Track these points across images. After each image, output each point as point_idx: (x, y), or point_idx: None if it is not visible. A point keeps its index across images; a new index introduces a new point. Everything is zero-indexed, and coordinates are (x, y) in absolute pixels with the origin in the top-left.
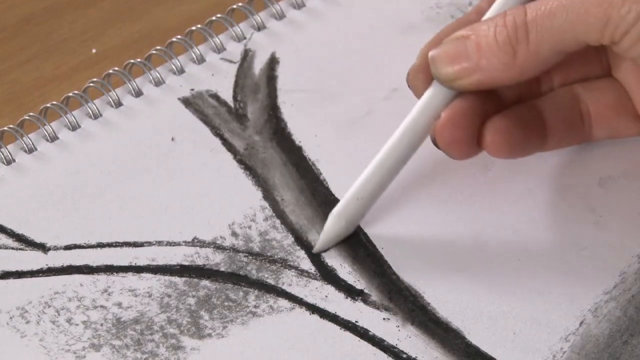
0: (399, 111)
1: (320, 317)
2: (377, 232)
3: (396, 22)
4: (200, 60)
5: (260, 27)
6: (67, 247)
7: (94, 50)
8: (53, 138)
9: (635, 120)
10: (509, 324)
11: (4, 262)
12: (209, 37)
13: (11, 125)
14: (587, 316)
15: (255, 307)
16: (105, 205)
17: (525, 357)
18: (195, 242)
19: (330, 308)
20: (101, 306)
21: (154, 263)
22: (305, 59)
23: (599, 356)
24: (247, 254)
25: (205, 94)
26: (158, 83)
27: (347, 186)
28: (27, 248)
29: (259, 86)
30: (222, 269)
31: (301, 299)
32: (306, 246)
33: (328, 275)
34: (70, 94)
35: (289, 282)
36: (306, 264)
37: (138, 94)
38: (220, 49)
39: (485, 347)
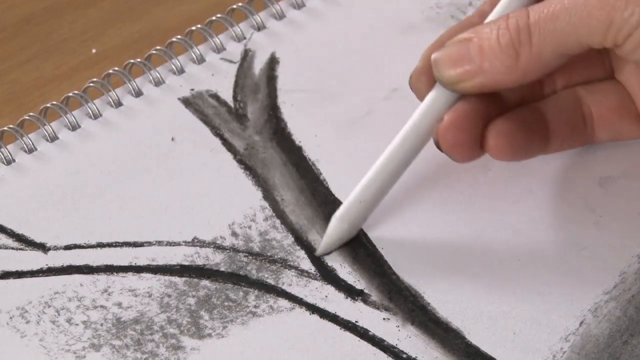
0: (399, 111)
1: (320, 317)
2: (377, 232)
3: (396, 22)
4: (200, 60)
5: (260, 27)
6: (67, 247)
7: (94, 50)
8: (53, 138)
9: (638, 123)
10: (509, 324)
11: (4, 262)
12: (209, 37)
13: (11, 125)
14: (587, 316)
15: (255, 307)
16: (105, 205)
17: (525, 357)
18: (195, 242)
19: (330, 308)
20: (101, 306)
21: (154, 263)
22: (305, 59)
23: (599, 356)
24: (247, 254)
25: (205, 94)
26: (158, 83)
27: (347, 186)
28: (27, 248)
29: (259, 86)
30: (222, 269)
31: (301, 299)
32: (306, 246)
33: (328, 275)
34: (70, 94)
35: (289, 282)
36: (306, 264)
37: (138, 94)
38: (220, 49)
39: (485, 347)
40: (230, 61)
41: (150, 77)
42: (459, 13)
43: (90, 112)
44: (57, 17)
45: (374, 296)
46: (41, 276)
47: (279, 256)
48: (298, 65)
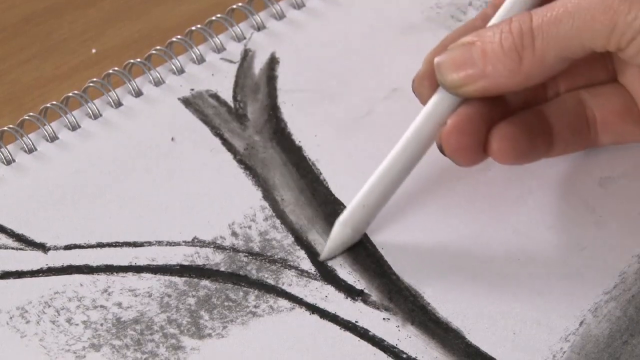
0: (399, 111)
1: (320, 317)
2: (377, 232)
3: (396, 22)
4: (200, 60)
5: (260, 27)
6: (67, 247)
7: (94, 50)
8: (53, 138)
9: None
10: (509, 324)
11: (4, 262)
12: (209, 37)
13: (11, 125)
14: (587, 316)
15: (255, 307)
16: (105, 205)
17: (525, 357)
18: (195, 242)
19: (330, 308)
20: (101, 306)
21: (154, 263)
22: (305, 59)
23: (599, 356)
24: (247, 254)
25: (205, 94)
26: (158, 83)
27: (347, 186)
28: (27, 248)
29: (259, 86)
30: (222, 269)
31: (301, 299)
32: (306, 246)
33: (328, 276)
34: (70, 94)
35: (289, 282)
36: (306, 264)
37: (138, 94)
38: (220, 49)
39: (485, 347)
40: (230, 61)
41: (150, 77)
42: (459, 13)
43: (90, 112)
44: (57, 17)
45: (374, 296)
46: (41, 276)
47: (279, 256)
48: (298, 65)
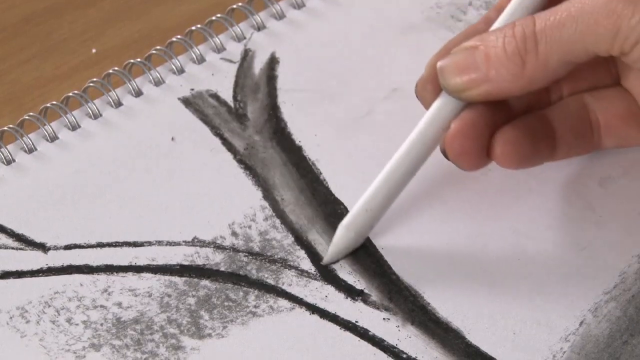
0: (399, 111)
1: (320, 317)
2: (377, 232)
3: (396, 22)
4: (200, 60)
5: (260, 27)
6: (67, 247)
7: (94, 50)
8: (53, 138)
9: None
10: (509, 324)
11: (4, 262)
12: (209, 37)
13: (11, 125)
14: (587, 316)
15: (255, 307)
16: (105, 205)
17: (525, 357)
18: (195, 242)
19: (330, 308)
20: (101, 306)
21: (154, 263)
22: (305, 59)
23: (599, 356)
24: (247, 254)
25: (205, 94)
26: (158, 83)
27: (347, 186)
28: (27, 248)
29: (259, 86)
30: (222, 269)
31: (301, 299)
32: (306, 246)
33: (328, 275)
34: (70, 94)
35: (289, 282)
36: (306, 264)
37: (138, 94)
38: (220, 49)
39: (485, 347)
40: (230, 61)
41: (150, 77)
42: (459, 13)
43: (90, 112)
44: (57, 17)
45: (374, 296)
46: (41, 276)
47: (279, 256)
48: (298, 65)
